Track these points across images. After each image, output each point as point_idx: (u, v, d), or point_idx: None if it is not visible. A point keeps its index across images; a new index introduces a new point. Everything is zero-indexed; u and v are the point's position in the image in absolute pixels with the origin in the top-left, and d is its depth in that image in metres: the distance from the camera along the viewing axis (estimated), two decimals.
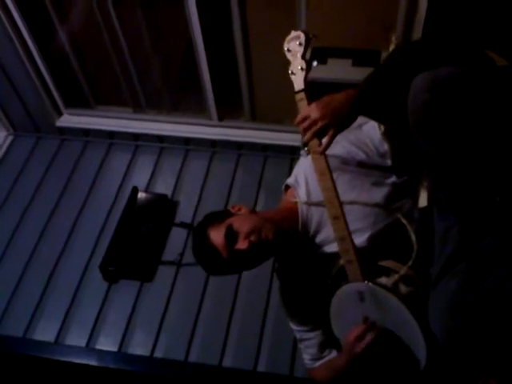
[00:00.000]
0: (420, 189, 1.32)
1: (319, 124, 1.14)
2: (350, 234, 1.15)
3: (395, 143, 1.30)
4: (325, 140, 1.16)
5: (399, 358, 1.18)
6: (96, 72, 2.90)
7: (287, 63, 1.25)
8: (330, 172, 1.16)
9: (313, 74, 1.27)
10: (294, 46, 1.24)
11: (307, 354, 1.41)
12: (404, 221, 1.24)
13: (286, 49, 1.25)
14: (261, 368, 2.14)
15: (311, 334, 1.39)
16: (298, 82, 1.21)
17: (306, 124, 1.16)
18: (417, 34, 2.06)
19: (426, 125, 0.98)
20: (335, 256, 1.26)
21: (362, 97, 1.15)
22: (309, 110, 1.16)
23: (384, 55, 2.06)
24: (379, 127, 1.32)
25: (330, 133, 1.15)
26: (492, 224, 0.99)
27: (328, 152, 1.19)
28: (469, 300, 0.98)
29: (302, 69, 1.22)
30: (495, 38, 1.54)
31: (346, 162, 1.32)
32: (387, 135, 1.30)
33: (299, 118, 1.18)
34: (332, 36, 2.10)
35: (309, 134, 1.16)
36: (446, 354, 1.09)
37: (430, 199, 1.24)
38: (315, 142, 1.16)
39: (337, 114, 1.14)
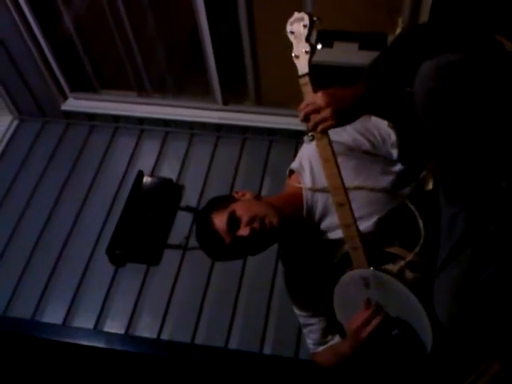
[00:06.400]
0: (426, 174, 1.31)
1: (322, 113, 1.10)
2: (355, 221, 1.14)
3: (402, 134, 1.29)
4: (320, 127, 1.12)
5: (405, 344, 1.19)
6: (101, 56, 2.88)
7: (292, 46, 1.21)
8: (335, 158, 1.15)
9: (319, 58, 1.24)
10: (297, 28, 1.19)
11: (310, 338, 1.43)
12: (411, 206, 1.23)
13: (288, 31, 1.20)
14: (266, 350, 2.16)
15: (315, 320, 1.40)
16: (302, 65, 1.17)
17: (309, 109, 1.12)
18: (424, 16, 2.04)
19: (432, 112, 0.98)
20: (340, 242, 1.26)
21: (368, 95, 1.11)
22: (314, 97, 1.13)
23: (390, 39, 2.04)
24: None
25: (329, 123, 1.11)
26: (498, 210, 0.99)
27: (333, 139, 1.18)
28: (473, 285, 0.99)
29: (306, 52, 1.17)
30: (504, 22, 1.52)
31: (351, 150, 1.31)
32: (395, 126, 1.29)
33: (304, 103, 1.14)
34: (338, 19, 2.07)
35: (311, 122, 1.13)
36: (451, 338, 1.10)
37: (436, 185, 1.24)
38: None
39: (341, 106, 1.10)
